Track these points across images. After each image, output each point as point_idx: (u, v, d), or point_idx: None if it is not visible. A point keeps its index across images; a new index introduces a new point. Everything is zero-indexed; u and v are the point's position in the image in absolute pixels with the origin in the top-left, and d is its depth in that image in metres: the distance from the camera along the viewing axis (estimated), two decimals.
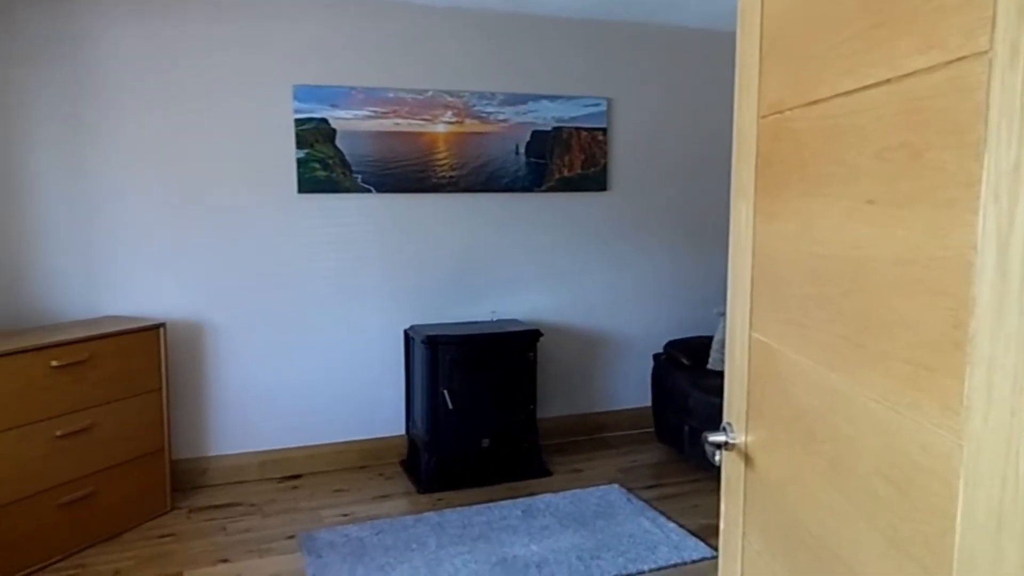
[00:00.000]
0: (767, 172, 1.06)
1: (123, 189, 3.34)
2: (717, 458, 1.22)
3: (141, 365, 3.11)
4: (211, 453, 3.59)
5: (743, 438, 1.18)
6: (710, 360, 3.93)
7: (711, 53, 4.29)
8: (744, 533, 1.17)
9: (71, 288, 3.29)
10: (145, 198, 3.37)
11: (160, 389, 3.20)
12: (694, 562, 2.85)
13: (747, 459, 1.16)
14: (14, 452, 2.68)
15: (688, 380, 3.79)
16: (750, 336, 1.14)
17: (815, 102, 0.89)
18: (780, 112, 1.00)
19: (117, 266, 3.36)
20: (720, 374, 3.89)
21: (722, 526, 1.29)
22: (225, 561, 2.86)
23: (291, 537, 3.04)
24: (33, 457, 2.74)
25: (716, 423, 3.47)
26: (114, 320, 3.23)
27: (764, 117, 1.06)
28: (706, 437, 1.21)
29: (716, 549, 2.92)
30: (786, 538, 1.00)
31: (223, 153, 3.47)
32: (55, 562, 2.83)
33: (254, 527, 3.14)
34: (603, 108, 4.06)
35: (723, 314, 4.04)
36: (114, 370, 2.99)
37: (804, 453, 0.94)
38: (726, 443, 1.21)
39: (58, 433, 2.80)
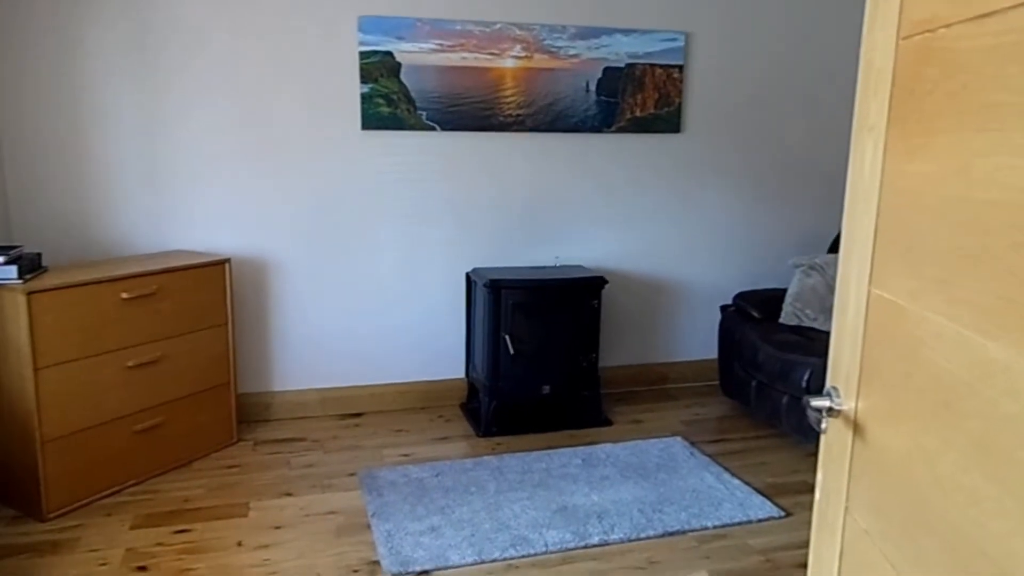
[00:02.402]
0: (907, 103, 0.91)
1: (190, 126, 3.31)
2: (823, 424, 1.11)
3: (207, 300, 3.13)
4: (275, 388, 3.64)
5: (852, 404, 1.06)
6: (783, 314, 3.76)
7: None
8: (847, 509, 1.07)
9: (141, 223, 3.32)
10: (212, 135, 3.34)
11: (226, 324, 3.22)
12: (760, 521, 2.76)
13: (856, 428, 1.04)
14: (90, 380, 2.74)
15: (758, 334, 3.64)
16: (869, 292, 1.01)
17: (987, 15, 0.74)
18: (931, 31, 0.85)
19: (185, 201, 3.36)
20: (794, 329, 3.74)
21: (817, 496, 1.19)
22: (289, 495, 2.90)
23: (352, 475, 3.07)
24: (108, 386, 2.80)
25: (786, 379, 3.34)
26: (181, 255, 3.25)
27: (907, 38, 0.91)
28: (808, 401, 1.10)
29: (784, 509, 2.82)
30: (906, 521, 0.89)
31: (288, 88, 3.40)
32: (130, 486, 2.92)
33: (316, 462, 3.18)
34: (680, 43, 3.83)
35: (800, 266, 3.84)
36: (181, 304, 3.02)
37: (940, 428, 0.82)
38: (830, 408, 1.10)
39: (130, 364, 2.85)
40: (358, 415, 3.72)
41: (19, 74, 3.07)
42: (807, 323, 3.72)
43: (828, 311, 3.66)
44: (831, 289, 3.73)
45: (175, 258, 3.14)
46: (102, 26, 3.13)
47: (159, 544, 2.55)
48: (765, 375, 3.51)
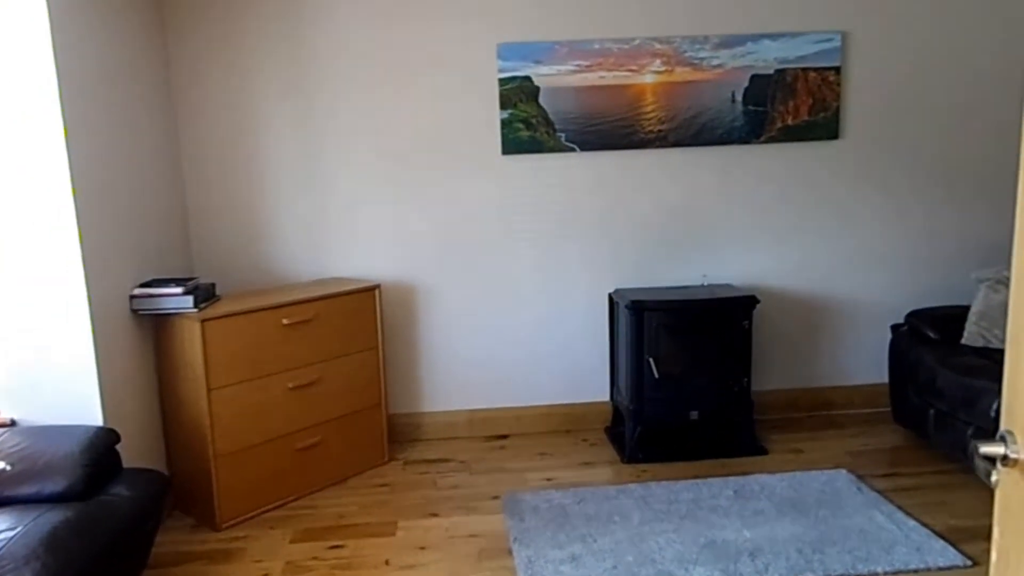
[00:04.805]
0: None
1: (342, 161, 3.52)
2: (993, 477, 0.95)
3: (360, 324, 3.29)
4: (424, 409, 3.75)
5: None
6: (966, 334, 3.37)
7: None
8: None
9: (300, 253, 3.56)
10: (361, 169, 3.53)
11: (377, 347, 3.37)
12: (941, 569, 2.46)
13: None
14: (257, 400, 2.96)
15: (936, 356, 3.27)
16: None
17: None
18: None
19: (339, 232, 3.57)
20: (979, 351, 3.32)
21: (994, 557, 1.02)
22: (435, 515, 2.96)
23: (496, 497, 3.08)
24: (272, 406, 3.01)
25: (971, 408, 2.97)
26: (336, 282, 3.45)
27: None
28: (976, 447, 0.95)
29: (970, 557, 2.50)
30: None
31: (430, 118, 3.53)
32: (291, 501, 3.11)
33: (462, 484, 3.23)
34: (836, 44, 3.56)
35: (985, 281, 3.42)
36: (336, 328, 3.19)
37: None
38: (1006, 456, 0.94)
39: (290, 385, 3.05)
40: (503, 437, 3.75)
41: (203, 129, 3.42)
42: (995, 344, 3.30)
43: None
44: None
45: (330, 285, 3.34)
46: (266, 71, 3.42)
47: (314, 558, 2.68)
48: (946, 403, 3.15)
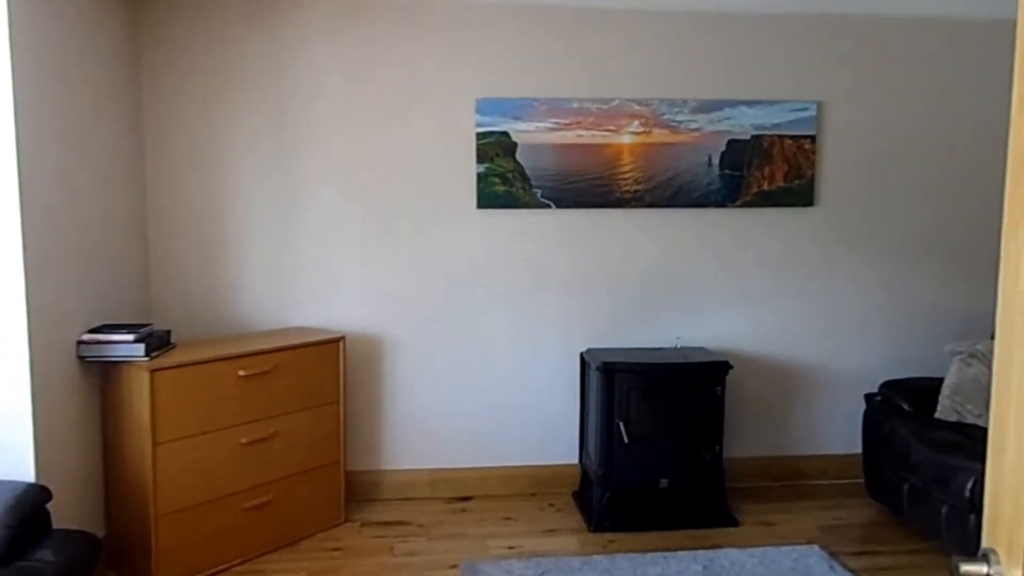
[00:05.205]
0: None
1: (315, 209, 3.44)
2: None
3: (321, 377, 3.17)
4: (385, 467, 3.61)
5: (1020, 574, 0.82)
6: (939, 408, 3.32)
7: (952, 46, 3.66)
8: None
9: (266, 300, 3.45)
10: (331, 214, 3.46)
11: (338, 401, 3.24)
12: None
13: None
14: (205, 456, 2.81)
15: (910, 430, 3.21)
16: None
17: None
18: None
19: (306, 280, 3.47)
20: (953, 426, 3.27)
21: None
22: None
23: (453, 567, 2.93)
24: (222, 462, 2.86)
25: (946, 486, 2.88)
26: (300, 331, 3.33)
27: None
28: (957, 565, 0.87)
29: None
30: None
31: (406, 168, 3.48)
32: (236, 564, 2.93)
33: (419, 550, 3.08)
34: (812, 113, 3.59)
35: (959, 354, 3.38)
36: (296, 381, 3.07)
37: None
38: None
39: (243, 440, 2.91)
40: (466, 499, 3.61)
41: (169, 165, 3.34)
42: (969, 420, 3.26)
43: None
44: None
45: (293, 335, 3.22)
46: (241, 112, 3.36)
47: None
48: (920, 478, 3.07)
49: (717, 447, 3.35)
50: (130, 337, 2.65)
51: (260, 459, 2.98)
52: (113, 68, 3.01)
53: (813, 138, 3.60)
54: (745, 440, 3.76)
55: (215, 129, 3.35)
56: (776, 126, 3.57)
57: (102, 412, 2.83)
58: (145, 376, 2.62)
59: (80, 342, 2.66)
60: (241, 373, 2.88)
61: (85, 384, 2.73)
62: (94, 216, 2.82)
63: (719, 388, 3.34)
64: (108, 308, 2.91)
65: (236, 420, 2.89)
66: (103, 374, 2.80)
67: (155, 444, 2.65)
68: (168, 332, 2.91)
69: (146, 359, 2.66)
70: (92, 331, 2.69)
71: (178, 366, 2.71)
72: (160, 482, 2.68)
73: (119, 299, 3.02)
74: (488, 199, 3.50)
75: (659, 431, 3.36)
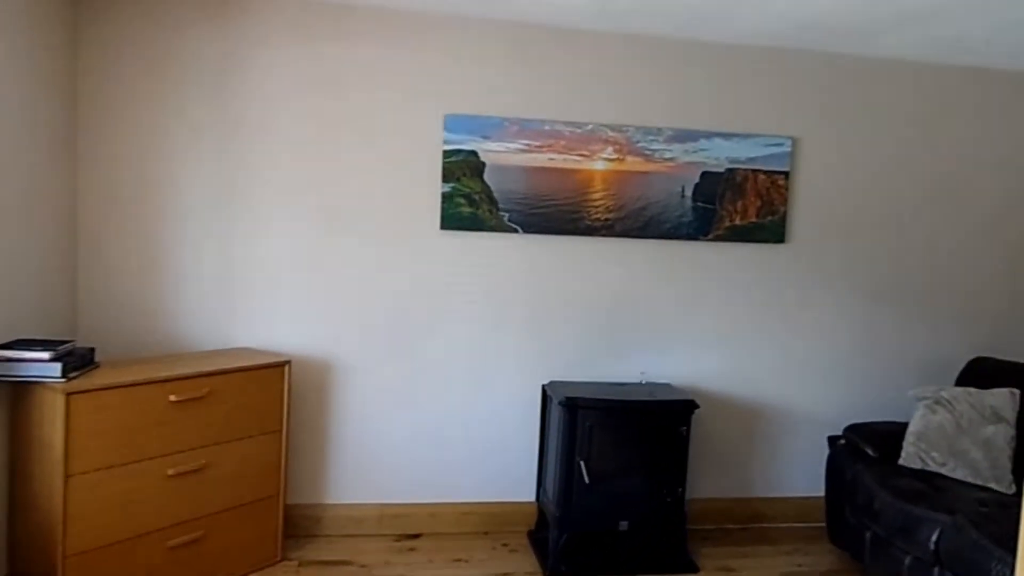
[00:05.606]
0: None
1: (262, 217, 3.20)
2: None
3: (262, 403, 2.92)
4: (328, 500, 3.35)
5: None
6: (903, 454, 3.24)
7: (929, 90, 3.65)
8: None
9: (207, 318, 3.18)
10: (285, 229, 3.22)
11: (280, 430, 2.99)
12: None
13: None
14: (125, 489, 2.53)
15: (874, 476, 3.13)
16: None
17: None
18: None
19: (252, 298, 3.22)
20: (917, 473, 3.18)
21: None
22: None
23: None
24: (144, 496, 2.58)
25: (909, 537, 2.73)
26: (242, 353, 3.07)
27: None
28: None
29: None
30: None
31: (366, 185, 3.27)
32: None
33: None
34: (787, 149, 3.52)
35: (923, 399, 3.33)
36: (234, 408, 2.81)
37: None
38: None
39: (170, 472, 2.63)
40: (415, 536, 3.38)
41: (106, 177, 3.05)
42: (933, 467, 3.18)
43: (958, 455, 3.12)
44: (961, 429, 3.20)
45: (233, 357, 2.97)
46: (191, 118, 3.11)
47: None
48: (882, 527, 2.98)
49: (680, 489, 3.21)
50: (45, 355, 2.36)
51: (188, 493, 2.70)
52: (49, 70, 2.74)
53: (787, 174, 3.53)
54: (707, 480, 3.64)
55: (156, 133, 3.09)
56: (751, 160, 3.48)
57: (10, 438, 2.53)
58: (60, 399, 2.34)
59: None
60: (172, 398, 2.61)
61: None
62: (13, 219, 2.53)
63: (684, 428, 3.20)
64: (25, 321, 2.61)
65: (163, 450, 2.61)
66: (13, 395, 2.50)
67: (67, 475, 2.36)
68: (92, 350, 2.63)
69: (62, 380, 2.37)
70: (3, 346, 2.40)
71: (99, 389, 2.42)
72: (71, 517, 2.39)
73: (44, 313, 2.73)
74: (452, 220, 3.31)
75: (621, 471, 3.20)
